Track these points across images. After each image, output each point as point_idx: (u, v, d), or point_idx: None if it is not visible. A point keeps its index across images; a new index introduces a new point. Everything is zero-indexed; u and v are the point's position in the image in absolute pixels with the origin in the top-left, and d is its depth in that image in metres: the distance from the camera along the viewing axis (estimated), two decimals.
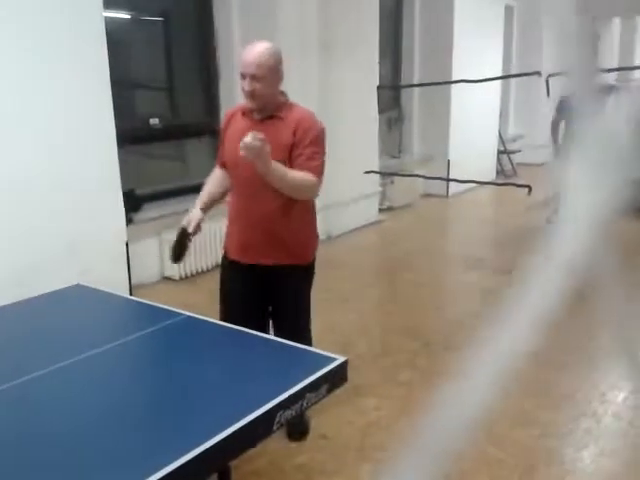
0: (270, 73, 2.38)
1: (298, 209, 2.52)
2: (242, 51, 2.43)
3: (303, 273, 2.64)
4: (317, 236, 2.72)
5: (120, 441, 1.56)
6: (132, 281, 4.58)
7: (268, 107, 2.45)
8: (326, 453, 2.73)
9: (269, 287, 2.62)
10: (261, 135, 2.17)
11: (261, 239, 2.51)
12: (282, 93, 2.51)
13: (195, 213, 2.55)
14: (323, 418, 2.90)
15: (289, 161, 2.40)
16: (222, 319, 2.54)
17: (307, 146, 2.40)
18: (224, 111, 5.66)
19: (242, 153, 2.17)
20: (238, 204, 2.57)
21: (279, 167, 2.31)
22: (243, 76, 2.39)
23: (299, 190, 2.43)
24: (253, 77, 2.36)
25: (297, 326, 2.65)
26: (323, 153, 2.48)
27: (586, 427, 2.92)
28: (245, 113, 2.51)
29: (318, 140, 2.45)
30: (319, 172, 2.44)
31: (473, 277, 5.19)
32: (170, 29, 5.60)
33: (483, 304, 4.63)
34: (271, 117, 2.46)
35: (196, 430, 1.56)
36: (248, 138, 2.15)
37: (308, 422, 2.82)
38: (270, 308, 2.69)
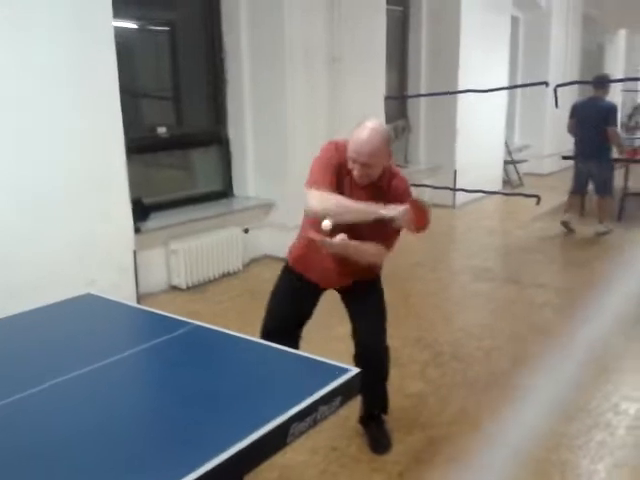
0: (382, 159, 2.38)
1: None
2: (355, 134, 2.35)
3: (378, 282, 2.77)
4: None
5: (129, 455, 1.53)
6: (139, 290, 4.57)
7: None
8: (337, 465, 2.69)
9: (347, 295, 2.70)
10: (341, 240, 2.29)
11: (341, 273, 2.61)
12: None
13: None
14: (334, 430, 2.86)
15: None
16: (270, 315, 2.70)
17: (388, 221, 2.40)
18: (231, 119, 5.69)
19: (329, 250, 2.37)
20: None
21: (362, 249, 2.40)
22: (353, 160, 2.36)
23: (368, 260, 2.53)
24: (364, 165, 2.35)
25: (382, 326, 2.68)
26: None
27: (600, 439, 2.88)
28: (350, 173, 2.46)
29: None
30: (392, 246, 2.57)
31: (481, 287, 5.15)
32: (177, 39, 5.62)
33: (492, 314, 4.60)
34: (373, 184, 2.46)
35: (208, 444, 1.52)
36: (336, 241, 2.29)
37: (390, 435, 2.85)
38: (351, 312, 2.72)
